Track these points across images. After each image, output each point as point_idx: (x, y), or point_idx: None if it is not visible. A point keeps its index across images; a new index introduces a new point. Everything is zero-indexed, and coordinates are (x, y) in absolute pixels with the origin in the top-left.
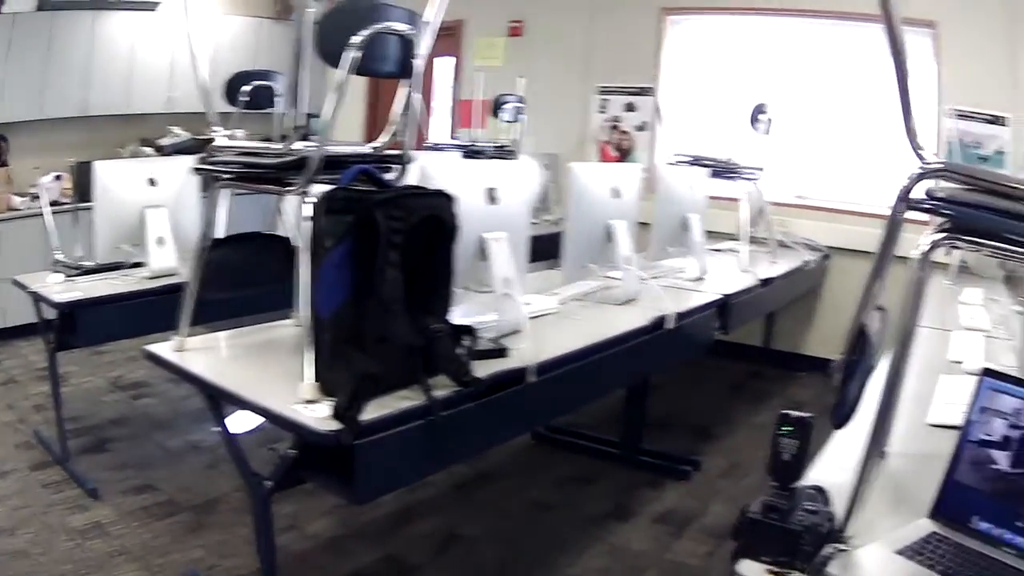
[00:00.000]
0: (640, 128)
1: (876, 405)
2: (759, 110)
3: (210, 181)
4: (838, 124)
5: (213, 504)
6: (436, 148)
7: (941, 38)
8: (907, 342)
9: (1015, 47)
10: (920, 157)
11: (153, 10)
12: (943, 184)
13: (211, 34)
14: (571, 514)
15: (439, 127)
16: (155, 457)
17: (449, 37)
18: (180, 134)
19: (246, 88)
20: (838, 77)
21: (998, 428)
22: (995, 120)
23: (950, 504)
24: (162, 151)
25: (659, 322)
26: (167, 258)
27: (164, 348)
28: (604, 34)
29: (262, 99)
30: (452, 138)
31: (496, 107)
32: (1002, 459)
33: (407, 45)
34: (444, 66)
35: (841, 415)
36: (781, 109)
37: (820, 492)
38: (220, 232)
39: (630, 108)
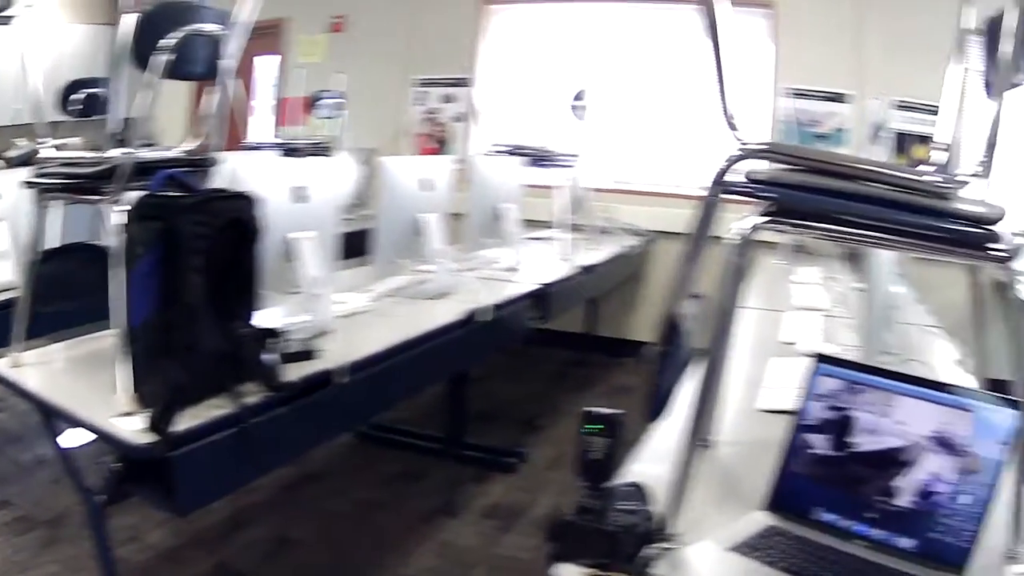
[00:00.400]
0: (458, 119)
1: (695, 393)
2: (578, 97)
3: (37, 193)
4: (662, 107)
5: (62, 518)
6: (255, 148)
7: (779, 17)
8: (725, 328)
9: (860, 24)
10: (738, 138)
11: (8, 23)
12: (775, 165)
13: (55, 43)
14: (399, 512)
15: (261, 126)
16: (10, 472)
17: (271, 35)
18: (23, 146)
19: (77, 96)
20: (662, 60)
21: (833, 414)
22: (836, 98)
23: (788, 495)
24: (9, 163)
25: (473, 314)
26: (7, 272)
27: (2, 364)
28: (424, 26)
29: (94, 106)
30: (275, 137)
31: (314, 104)
32: (841, 446)
33: (218, 46)
34: (267, 64)
35: (654, 409)
36: (603, 95)
37: (637, 489)
38: (53, 243)
39: (448, 100)
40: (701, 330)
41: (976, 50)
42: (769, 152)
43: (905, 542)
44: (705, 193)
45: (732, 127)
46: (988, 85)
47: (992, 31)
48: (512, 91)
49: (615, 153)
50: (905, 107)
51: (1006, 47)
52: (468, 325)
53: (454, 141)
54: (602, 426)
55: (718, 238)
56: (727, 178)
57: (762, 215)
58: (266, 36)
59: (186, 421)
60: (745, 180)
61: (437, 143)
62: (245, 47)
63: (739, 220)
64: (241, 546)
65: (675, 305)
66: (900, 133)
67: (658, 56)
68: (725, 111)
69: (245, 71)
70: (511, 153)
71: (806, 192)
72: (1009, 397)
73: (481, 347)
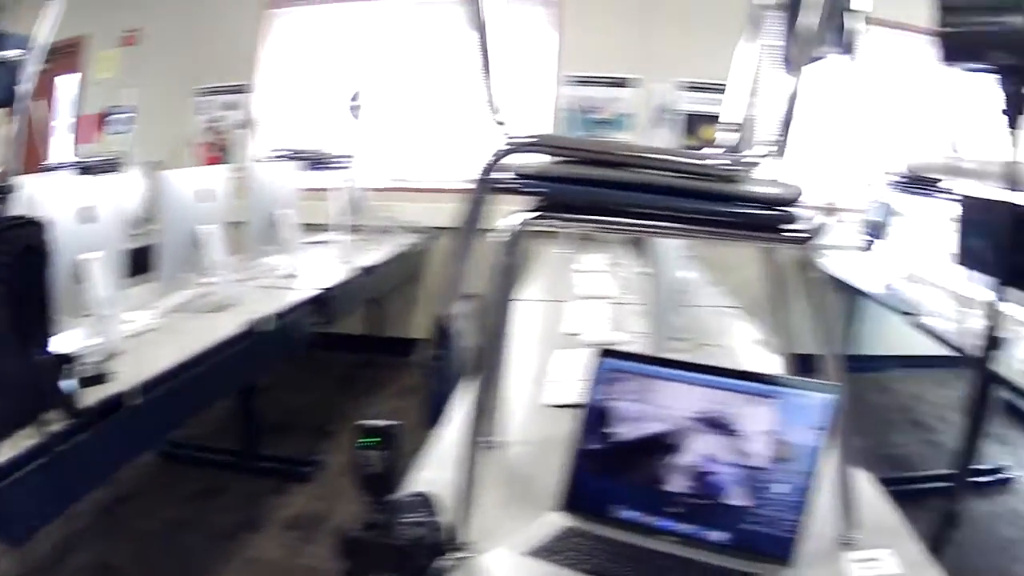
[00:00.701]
0: (240, 127)
1: (474, 393)
2: (354, 97)
3: None
4: (443, 102)
5: None
6: (53, 168)
7: (564, 6)
8: (500, 326)
9: (647, 8)
10: (505, 132)
11: None
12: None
13: None
14: (205, 530)
15: (61, 146)
16: None
17: (72, 54)
18: None
19: None
20: (440, 56)
21: (623, 409)
22: (619, 83)
23: (582, 494)
24: None
25: (257, 324)
26: None
27: None
28: (210, 34)
29: None
30: (75, 155)
31: (106, 119)
32: (633, 443)
33: (16, 72)
34: (67, 83)
35: (431, 413)
36: (381, 94)
37: (424, 499)
38: None
39: (231, 107)
40: (475, 329)
41: (774, 25)
42: (538, 144)
43: (717, 535)
44: (472, 189)
45: (498, 121)
46: (787, 61)
47: (793, 5)
48: (293, 95)
49: (394, 151)
50: (696, 88)
51: (808, 19)
52: (251, 336)
53: (236, 149)
54: (378, 439)
55: (491, 232)
56: (498, 172)
57: (533, 210)
58: (67, 55)
59: (5, 452)
60: (514, 175)
61: (220, 152)
62: (48, 67)
63: (507, 216)
64: (71, 572)
65: (446, 307)
66: (690, 115)
67: (436, 52)
68: (491, 105)
69: (47, 91)
70: (289, 158)
71: (576, 184)
72: (820, 381)
73: (266, 356)
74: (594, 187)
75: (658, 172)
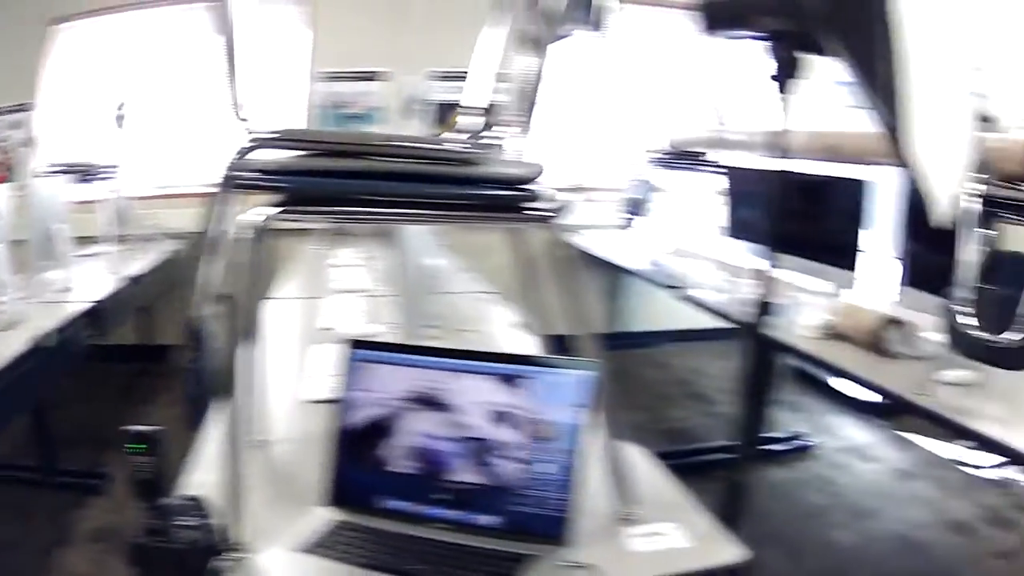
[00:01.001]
0: (24, 145)
1: (232, 393)
2: (119, 107)
3: None
4: (201, 107)
5: None
6: None
7: (317, 4)
8: (250, 325)
9: (397, 4)
10: (248, 129)
11: None
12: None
13: None
14: (29, 547)
15: None
16: None
17: None
18: None
19: None
20: (198, 60)
21: (376, 399)
22: (371, 77)
23: (348, 488)
24: None
25: (40, 340)
26: None
27: None
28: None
29: None
30: None
31: None
32: (389, 431)
33: None
34: None
35: (193, 416)
36: (146, 102)
37: (196, 502)
38: None
39: (15, 126)
40: (227, 330)
41: (520, 7)
42: (279, 139)
43: (487, 519)
44: (216, 189)
45: (242, 119)
46: (532, 41)
47: None
48: (72, 109)
49: (156, 159)
50: (447, 77)
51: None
52: (36, 352)
53: (21, 167)
54: (144, 444)
55: (237, 231)
56: (243, 171)
57: (276, 204)
58: None
59: None
60: (257, 172)
61: (6, 171)
62: None
63: (245, 213)
64: None
65: (197, 310)
66: (441, 104)
67: (196, 57)
68: (235, 104)
69: None
70: (62, 172)
71: (316, 177)
72: (576, 359)
73: (53, 371)
74: (335, 178)
75: (397, 159)
